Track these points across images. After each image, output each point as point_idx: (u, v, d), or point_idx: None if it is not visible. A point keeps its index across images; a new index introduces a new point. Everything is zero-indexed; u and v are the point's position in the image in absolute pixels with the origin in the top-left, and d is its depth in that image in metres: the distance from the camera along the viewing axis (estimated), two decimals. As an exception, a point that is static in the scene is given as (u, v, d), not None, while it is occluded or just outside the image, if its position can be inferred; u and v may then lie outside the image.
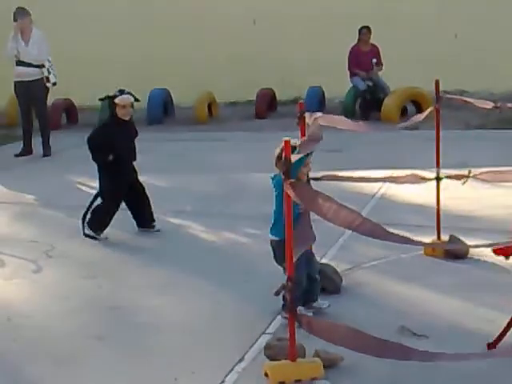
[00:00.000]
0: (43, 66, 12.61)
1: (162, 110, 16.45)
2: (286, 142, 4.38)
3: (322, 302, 5.69)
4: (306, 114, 6.30)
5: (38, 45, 12.62)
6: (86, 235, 7.87)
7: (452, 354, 4.18)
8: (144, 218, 8.14)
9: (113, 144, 7.81)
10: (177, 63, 17.80)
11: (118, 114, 7.89)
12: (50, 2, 18.16)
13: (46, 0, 17.86)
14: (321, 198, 4.27)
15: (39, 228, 8.46)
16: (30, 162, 12.45)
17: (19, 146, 12.93)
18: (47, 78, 12.66)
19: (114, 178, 7.88)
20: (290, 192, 4.37)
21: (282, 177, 4.43)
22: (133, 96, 7.91)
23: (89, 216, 7.92)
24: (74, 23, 18.34)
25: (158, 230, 8.12)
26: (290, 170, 4.36)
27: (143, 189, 8.14)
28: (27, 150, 12.84)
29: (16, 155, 12.75)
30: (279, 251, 5.02)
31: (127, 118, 7.96)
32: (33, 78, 12.59)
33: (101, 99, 8.32)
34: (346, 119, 7.05)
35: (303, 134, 5.94)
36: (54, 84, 12.75)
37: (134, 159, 8.11)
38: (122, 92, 7.87)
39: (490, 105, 6.78)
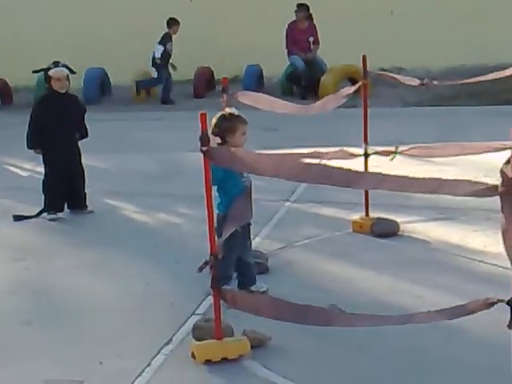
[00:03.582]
0: None
1: (99, 89, 16.24)
2: (202, 115, 4.37)
3: (261, 285, 5.65)
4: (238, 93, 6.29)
5: None
6: (50, 220, 7.79)
7: (373, 316, 4.19)
8: (77, 201, 8.00)
9: (49, 117, 7.67)
10: (114, 42, 17.57)
11: (53, 87, 7.73)
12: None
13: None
14: (236, 153, 4.32)
15: None
16: None
17: None
18: None
19: (52, 151, 7.76)
20: (208, 159, 4.38)
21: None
22: (68, 68, 7.74)
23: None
24: (6, 3, 18.01)
25: (92, 212, 8.00)
26: (206, 143, 4.35)
27: (82, 171, 8.00)
28: None
29: None
30: (217, 225, 5.00)
31: (63, 91, 7.76)
32: None
33: (35, 71, 8.17)
34: (267, 96, 7.00)
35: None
36: None
37: (76, 135, 7.93)
38: (56, 64, 7.70)
39: (416, 82, 6.81)
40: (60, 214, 7.84)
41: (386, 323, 4.10)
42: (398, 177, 3.90)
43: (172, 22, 15.86)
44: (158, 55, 15.66)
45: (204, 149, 4.37)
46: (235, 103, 6.16)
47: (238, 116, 5.42)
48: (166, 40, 15.75)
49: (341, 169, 3.91)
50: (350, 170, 3.91)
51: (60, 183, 7.81)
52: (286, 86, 15.42)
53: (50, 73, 7.67)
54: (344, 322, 4.21)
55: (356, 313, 4.31)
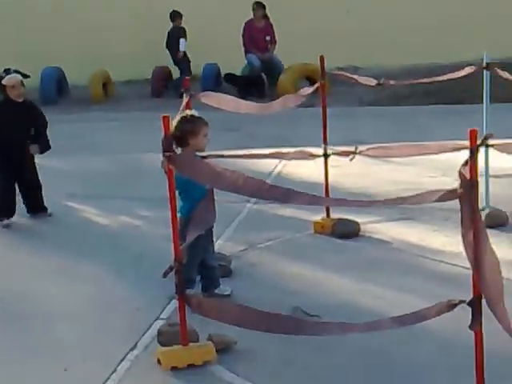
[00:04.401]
0: None
1: (56, 89, 16.10)
2: (165, 118, 4.35)
3: (224, 288, 5.66)
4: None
5: None
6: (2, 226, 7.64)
7: (339, 324, 4.22)
8: (34, 204, 7.93)
9: (4, 126, 7.50)
10: (71, 40, 17.42)
11: (10, 96, 7.51)
12: None
13: None
14: (199, 164, 4.32)
15: None
16: None
17: None
18: None
19: (3, 160, 7.62)
20: (171, 166, 4.37)
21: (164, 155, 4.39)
22: (21, 73, 7.54)
23: None
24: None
25: (50, 215, 7.95)
26: (169, 147, 4.34)
27: (36, 174, 7.90)
28: None
29: None
30: (180, 229, 4.97)
31: (20, 100, 7.55)
32: None
33: None
34: (230, 97, 7.00)
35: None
36: None
37: (29, 143, 7.68)
38: (7, 72, 7.55)
39: (373, 82, 6.85)
40: (12, 219, 7.72)
41: (352, 331, 4.13)
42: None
43: (176, 15, 15.94)
44: (183, 49, 15.80)
45: (167, 154, 4.36)
46: (196, 104, 6.15)
47: (199, 118, 5.40)
48: (183, 33, 15.89)
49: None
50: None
51: (9, 190, 7.68)
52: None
53: (4, 81, 7.46)
54: (311, 330, 4.22)
55: (322, 321, 4.32)
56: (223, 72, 15.91)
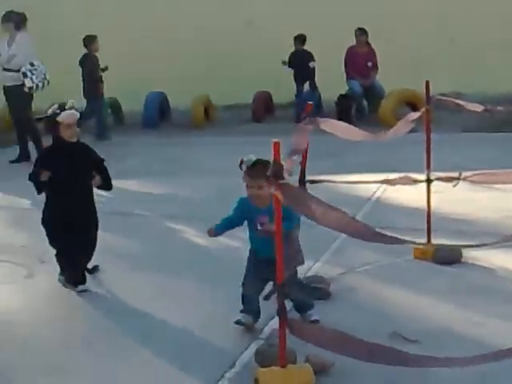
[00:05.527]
0: (18, 70, 12.14)
1: (158, 113, 16.43)
2: (276, 144, 4.33)
3: (310, 313, 5.58)
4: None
5: (17, 48, 12.26)
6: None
7: (443, 359, 4.13)
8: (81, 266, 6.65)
9: (53, 174, 6.32)
10: (174, 65, 17.74)
11: (63, 136, 6.32)
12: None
13: None
14: (309, 200, 4.24)
15: (31, 233, 8.24)
16: (25, 167, 12.35)
17: (16, 150, 12.82)
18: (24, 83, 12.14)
19: (51, 211, 6.56)
20: (279, 194, 4.34)
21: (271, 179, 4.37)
22: (77, 110, 6.37)
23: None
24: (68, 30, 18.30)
25: (85, 291, 6.48)
26: (279, 173, 4.31)
27: (94, 231, 6.62)
28: (23, 156, 12.61)
29: (11, 161, 12.57)
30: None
31: (74, 140, 6.39)
32: (8, 84, 12.36)
33: (38, 119, 7.21)
34: (344, 124, 6.97)
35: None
36: (31, 89, 12.17)
37: (86, 192, 6.51)
38: (62, 108, 6.28)
39: (480, 108, 6.74)
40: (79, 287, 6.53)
41: (459, 364, 4.04)
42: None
43: (300, 38, 16.08)
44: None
45: (277, 184, 4.31)
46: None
47: (246, 169, 5.43)
48: (312, 56, 16.02)
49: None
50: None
51: (73, 252, 6.49)
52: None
53: (60, 118, 6.25)
54: (413, 363, 4.14)
55: (426, 354, 4.21)
56: (323, 96, 15.95)
